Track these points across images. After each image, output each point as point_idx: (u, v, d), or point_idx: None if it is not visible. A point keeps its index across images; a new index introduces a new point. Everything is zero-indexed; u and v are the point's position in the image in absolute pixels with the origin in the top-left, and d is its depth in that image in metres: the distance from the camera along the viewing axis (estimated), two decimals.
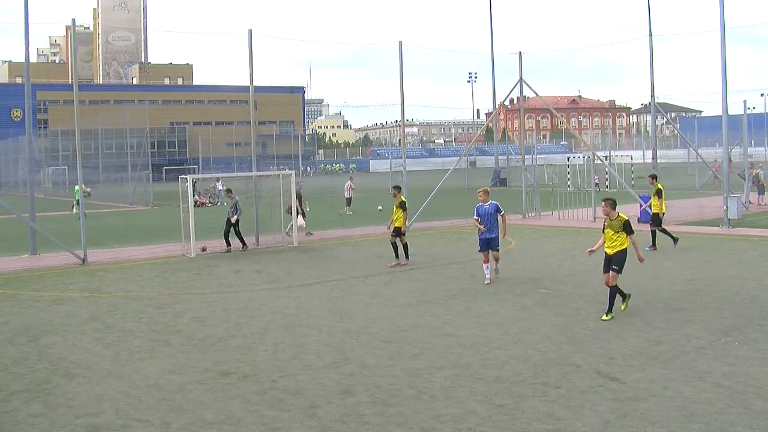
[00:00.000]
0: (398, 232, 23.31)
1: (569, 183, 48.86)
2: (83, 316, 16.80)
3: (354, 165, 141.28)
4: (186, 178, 27.71)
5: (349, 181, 47.64)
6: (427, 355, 12.59)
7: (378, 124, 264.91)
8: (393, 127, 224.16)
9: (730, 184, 31.37)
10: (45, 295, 19.41)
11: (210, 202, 54.92)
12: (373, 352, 12.89)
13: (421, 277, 20.76)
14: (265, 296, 18.66)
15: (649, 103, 36.27)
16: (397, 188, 24.56)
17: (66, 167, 77.94)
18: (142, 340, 14.38)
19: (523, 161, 41.63)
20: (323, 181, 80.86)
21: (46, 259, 26.42)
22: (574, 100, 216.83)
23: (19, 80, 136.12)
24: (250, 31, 30.07)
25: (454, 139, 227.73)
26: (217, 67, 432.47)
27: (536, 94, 40.66)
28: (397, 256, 23.28)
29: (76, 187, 41.37)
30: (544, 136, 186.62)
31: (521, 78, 38.38)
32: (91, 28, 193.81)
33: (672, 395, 10.19)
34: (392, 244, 23.45)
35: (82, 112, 30.00)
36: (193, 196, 29.64)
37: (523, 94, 41.05)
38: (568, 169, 52.41)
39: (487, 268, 19.47)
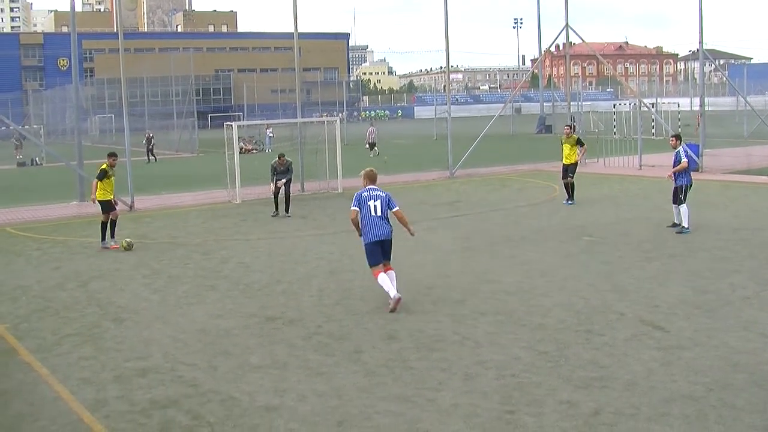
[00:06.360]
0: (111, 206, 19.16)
1: (615, 130, 48.26)
2: (131, 261, 17.06)
3: (400, 112, 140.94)
4: (231, 125, 27.80)
5: (371, 128, 48.27)
6: (470, 301, 12.64)
7: (423, 70, 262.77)
8: (438, 73, 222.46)
9: None
10: (93, 242, 19.68)
11: (255, 149, 55.17)
12: (417, 298, 12.96)
13: (465, 224, 20.76)
14: (310, 242, 18.77)
15: (697, 50, 35.51)
16: (113, 155, 19.53)
17: (113, 115, 78.42)
18: (189, 285, 14.58)
19: (569, 108, 41.29)
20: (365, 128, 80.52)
21: (95, 206, 26.69)
22: (620, 46, 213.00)
23: (65, 29, 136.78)
24: None
25: (499, 85, 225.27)
26: (261, 14, 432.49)
27: (582, 40, 40.12)
28: (112, 236, 19.06)
29: None
30: (590, 83, 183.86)
31: (567, 24, 37.88)
32: None
33: (716, 344, 10.15)
34: (112, 221, 19.16)
35: (128, 60, 30.18)
36: (239, 142, 29.76)
37: (569, 41, 40.52)
38: (614, 117, 51.78)
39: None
